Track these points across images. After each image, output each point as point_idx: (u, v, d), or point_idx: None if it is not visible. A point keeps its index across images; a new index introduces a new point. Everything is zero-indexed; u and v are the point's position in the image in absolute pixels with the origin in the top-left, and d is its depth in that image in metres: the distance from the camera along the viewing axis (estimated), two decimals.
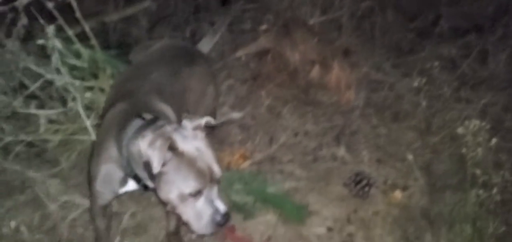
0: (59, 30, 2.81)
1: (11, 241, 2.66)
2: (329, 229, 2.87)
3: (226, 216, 2.00)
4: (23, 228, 2.51)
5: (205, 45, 3.19)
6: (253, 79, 4.13)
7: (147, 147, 1.86)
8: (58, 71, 2.78)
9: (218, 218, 1.98)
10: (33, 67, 2.79)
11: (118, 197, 2.32)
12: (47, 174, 2.77)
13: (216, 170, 1.98)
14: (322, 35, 4.30)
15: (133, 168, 2.02)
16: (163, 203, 2.09)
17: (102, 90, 2.92)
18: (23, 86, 2.89)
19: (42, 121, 2.74)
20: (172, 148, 1.88)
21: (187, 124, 2.01)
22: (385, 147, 3.52)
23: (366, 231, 2.85)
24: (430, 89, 3.56)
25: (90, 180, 2.23)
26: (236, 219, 2.84)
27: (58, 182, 2.79)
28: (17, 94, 2.86)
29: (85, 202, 2.72)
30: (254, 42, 4.35)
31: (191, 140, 1.96)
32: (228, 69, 4.24)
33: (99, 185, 2.16)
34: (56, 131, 2.95)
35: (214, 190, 2.00)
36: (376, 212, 2.97)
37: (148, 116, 2.07)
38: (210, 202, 1.97)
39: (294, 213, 2.90)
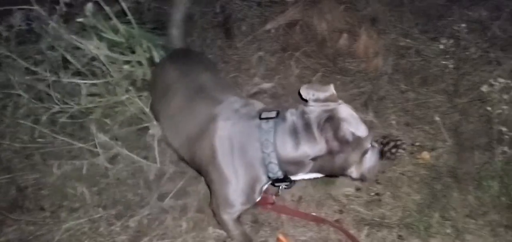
0: (98, 9, 2.97)
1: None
2: (357, 189, 2.95)
3: None
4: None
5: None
6: (282, 50, 4.21)
7: None
8: (98, 46, 2.94)
9: None
10: (75, 42, 2.96)
11: None
12: (92, 144, 2.96)
13: None
14: (349, 3, 4.32)
15: None
16: None
17: (139, 63, 3.07)
18: (66, 62, 3.07)
19: (84, 91, 2.90)
20: None
21: None
22: (413, 110, 3.54)
23: (394, 190, 2.92)
24: (457, 52, 3.55)
25: None
26: None
27: (103, 150, 2.97)
28: (60, 70, 3.05)
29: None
30: (283, 14, 4.41)
31: None
32: (258, 41, 4.33)
33: None
34: (98, 103, 3.13)
35: None
36: (403, 172, 3.02)
37: None
38: None
39: None
